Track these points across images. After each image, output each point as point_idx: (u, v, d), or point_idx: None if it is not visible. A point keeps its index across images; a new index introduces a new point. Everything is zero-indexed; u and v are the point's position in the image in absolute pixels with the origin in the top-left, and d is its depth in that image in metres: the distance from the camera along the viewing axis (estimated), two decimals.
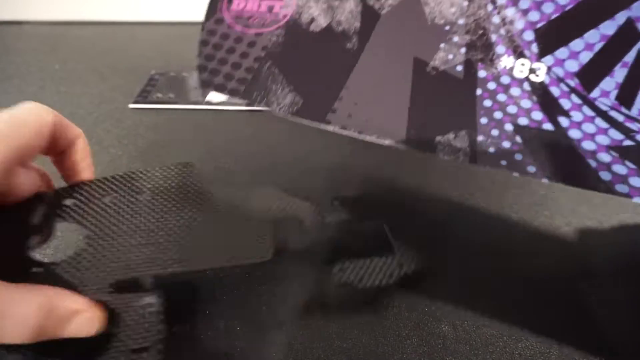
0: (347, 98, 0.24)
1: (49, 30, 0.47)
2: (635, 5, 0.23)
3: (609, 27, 0.23)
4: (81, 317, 0.16)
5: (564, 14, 0.24)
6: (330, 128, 0.23)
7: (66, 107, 0.36)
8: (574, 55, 0.23)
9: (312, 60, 0.25)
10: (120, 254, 0.18)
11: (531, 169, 0.21)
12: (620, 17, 0.23)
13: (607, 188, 0.21)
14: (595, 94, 0.22)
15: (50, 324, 0.16)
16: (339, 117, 0.23)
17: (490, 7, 0.24)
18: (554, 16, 0.24)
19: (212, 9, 0.27)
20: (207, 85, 0.25)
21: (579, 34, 0.23)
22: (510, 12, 0.24)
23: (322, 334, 0.21)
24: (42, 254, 0.17)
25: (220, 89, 0.25)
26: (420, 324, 0.21)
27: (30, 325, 0.15)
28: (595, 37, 0.23)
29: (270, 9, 0.26)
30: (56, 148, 0.19)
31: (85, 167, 0.20)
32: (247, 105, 0.25)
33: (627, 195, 0.20)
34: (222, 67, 0.26)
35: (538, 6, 0.24)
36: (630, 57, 0.23)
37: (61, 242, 0.18)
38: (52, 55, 0.43)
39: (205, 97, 0.25)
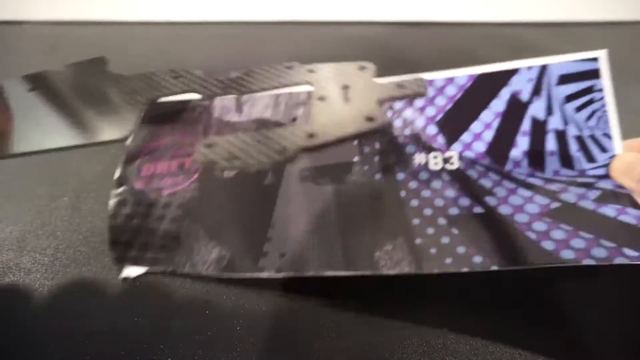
0: (276, 237, 0.23)
1: (49, 30, 0.47)
2: (512, 80, 0.25)
3: (498, 105, 0.25)
4: None
5: (456, 102, 0.25)
6: (264, 275, 0.22)
7: None
8: (477, 136, 0.24)
9: (232, 206, 0.24)
10: None
11: (477, 259, 0.21)
12: (504, 94, 0.25)
13: (555, 258, 0.20)
14: (509, 166, 0.23)
15: None
16: (271, 260, 0.22)
17: (389, 113, 0.25)
18: (448, 107, 0.25)
19: (121, 179, 0.26)
20: (121, 261, 0.23)
21: (475, 116, 0.25)
22: (408, 113, 0.25)
23: (322, 333, 0.21)
24: None
25: (137, 261, 0.23)
26: (420, 324, 0.21)
27: None
28: (490, 116, 0.25)
29: (182, 165, 0.25)
30: None
31: None
32: (171, 273, 0.22)
33: (575, 261, 0.20)
34: (136, 237, 0.24)
35: (431, 101, 0.25)
36: (526, 125, 0.24)
37: None
38: (52, 55, 0.43)
39: (121, 274, 0.23)
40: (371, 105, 0.18)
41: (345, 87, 0.19)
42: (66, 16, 0.48)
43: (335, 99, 0.19)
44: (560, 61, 0.24)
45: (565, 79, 0.24)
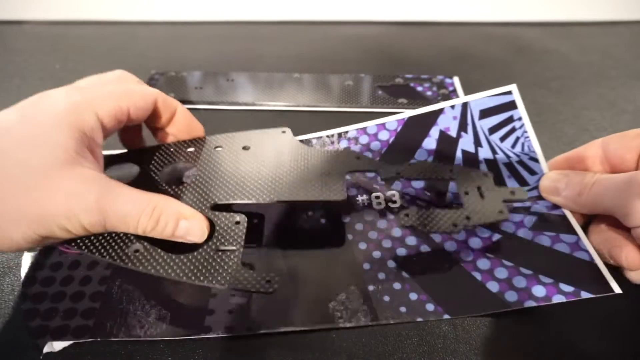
0: (221, 293, 0.21)
1: (49, 30, 0.47)
2: (439, 119, 0.26)
3: (430, 143, 0.26)
4: (190, 221, 0.19)
5: (391, 145, 0.26)
6: (212, 335, 0.20)
7: None
8: None
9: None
10: (222, 185, 0.22)
11: (430, 307, 0.21)
12: (434, 132, 0.26)
13: (500, 303, 0.21)
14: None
15: (156, 219, 0.19)
16: (219, 318, 0.20)
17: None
18: (384, 150, 0.27)
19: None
20: (41, 335, 0.20)
21: (411, 155, 0.26)
22: None
23: (322, 333, 0.21)
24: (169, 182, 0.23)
25: (59, 333, 0.20)
26: (420, 324, 0.21)
27: (141, 219, 0.18)
28: (424, 154, 0.26)
29: None
30: (160, 118, 0.23)
31: (195, 126, 0.25)
32: (102, 342, 0.20)
33: (518, 304, 0.20)
34: (58, 304, 0.21)
35: (367, 147, 0.27)
36: (458, 159, 0.26)
37: (180, 174, 0.25)
38: (52, 55, 0.43)
39: (43, 351, 0.19)
40: (499, 202, 0.22)
41: (479, 188, 0.23)
42: (66, 16, 0.48)
43: (476, 194, 0.22)
44: (478, 98, 0.27)
45: (485, 113, 0.26)
